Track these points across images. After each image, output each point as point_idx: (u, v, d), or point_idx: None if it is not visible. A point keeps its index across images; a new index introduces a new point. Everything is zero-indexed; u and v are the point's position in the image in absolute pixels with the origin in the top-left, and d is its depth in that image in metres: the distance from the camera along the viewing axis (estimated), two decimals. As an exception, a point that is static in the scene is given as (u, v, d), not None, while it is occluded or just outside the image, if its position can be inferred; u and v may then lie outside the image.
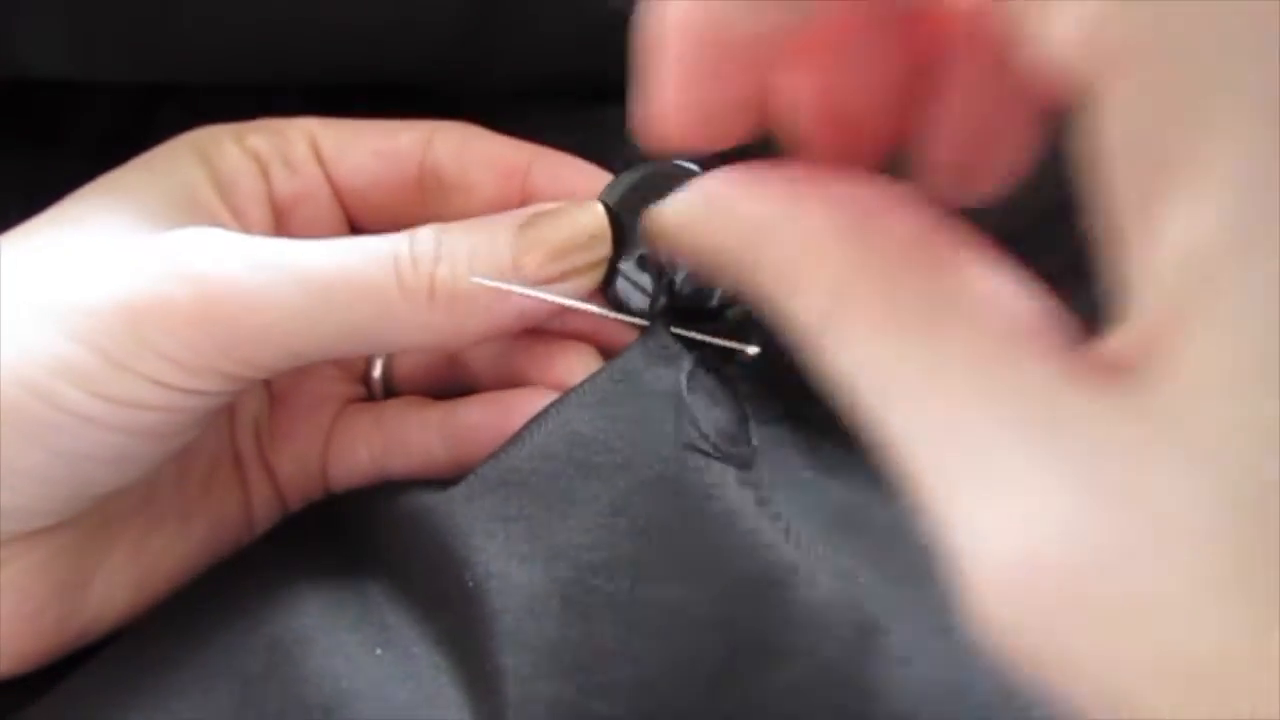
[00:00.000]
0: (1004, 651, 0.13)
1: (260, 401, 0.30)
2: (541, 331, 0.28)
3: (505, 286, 0.24)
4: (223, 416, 0.29)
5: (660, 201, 0.19)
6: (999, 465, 0.13)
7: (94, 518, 0.25)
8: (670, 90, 0.17)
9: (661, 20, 0.16)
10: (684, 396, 0.24)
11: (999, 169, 0.19)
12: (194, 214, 0.26)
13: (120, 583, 0.26)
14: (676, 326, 0.26)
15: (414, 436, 0.28)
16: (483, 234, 0.25)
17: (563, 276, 0.25)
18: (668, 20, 0.16)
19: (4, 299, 0.23)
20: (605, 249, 0.26)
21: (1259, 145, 0.11)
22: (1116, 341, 0.13)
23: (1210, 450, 0.12)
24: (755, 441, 0.24)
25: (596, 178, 0.28)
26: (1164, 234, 0.12)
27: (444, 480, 0.26)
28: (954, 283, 0.15)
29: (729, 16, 0.16)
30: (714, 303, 0.26)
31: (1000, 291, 0.15)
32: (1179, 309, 0.12)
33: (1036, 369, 0.14)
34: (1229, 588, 0.11)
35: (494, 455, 0.24)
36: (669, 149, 0.18)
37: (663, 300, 0.26)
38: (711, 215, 0.18)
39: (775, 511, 0.22)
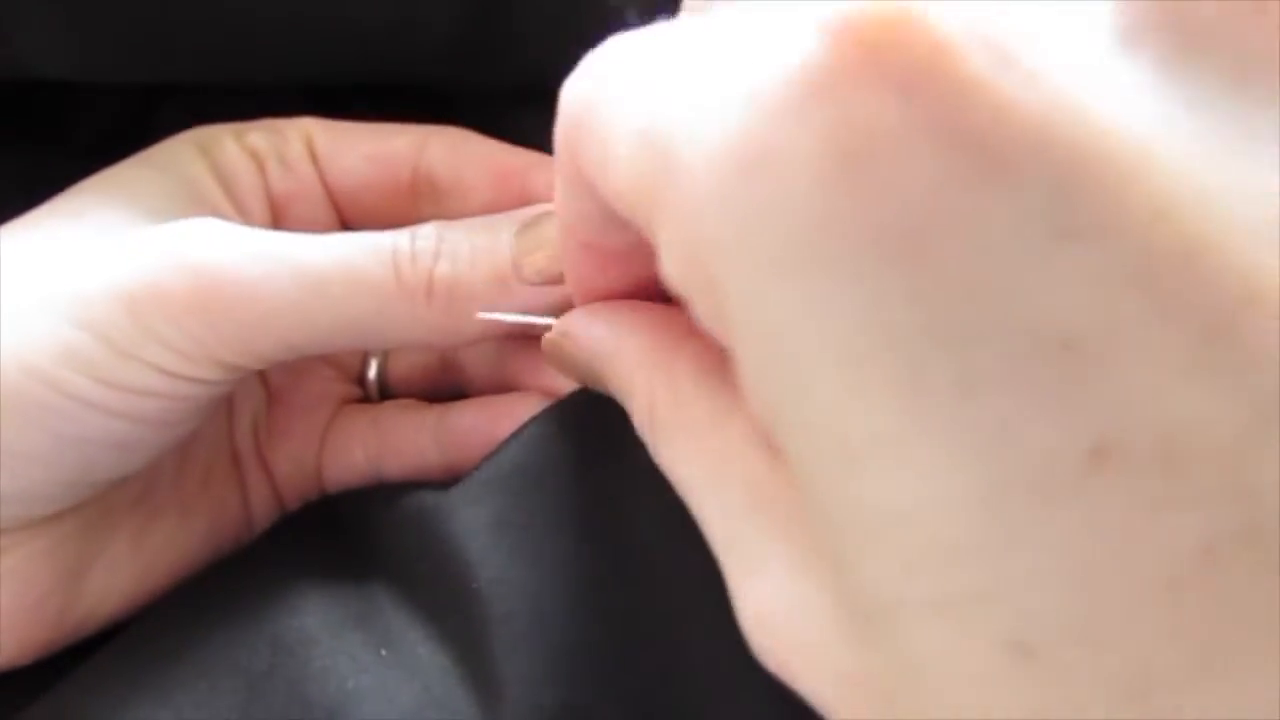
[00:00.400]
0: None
1: (258, 399, 0.30)
2: (536, 336, 0.29)
3: (513, 319, 0.25)
4: (221, 413, 0.29)
5: None
6: (744, 548, 0.17)
7: (94, 508, 0.25)
8: (577, 271, 0.21)
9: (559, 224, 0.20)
10: None
11: None
12: (196, 207, 0.26)
13: (120, 574, 0.26)
14: None
15: (408, 439, 0.28)
16: (484, 233, 0.25)
17: (562, 278, 0.25)
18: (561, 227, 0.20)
19: (5, 287, 0.23)
20: None
21: None
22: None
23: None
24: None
25: None
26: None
27: (438, 483, 0.26)
28: (730, 396, 0.18)
29: (592, 233, 0.19)
30: None
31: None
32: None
33: (756, 458, 0.17)
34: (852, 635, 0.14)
35: (493, 454, 0.24)
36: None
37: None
38: (569, 345, 0.22)
39: None
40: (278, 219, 0.28)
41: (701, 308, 0.15)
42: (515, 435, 0.24)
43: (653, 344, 0.19)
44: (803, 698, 0.16)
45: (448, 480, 0.26)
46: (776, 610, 0.16)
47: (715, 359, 0.18)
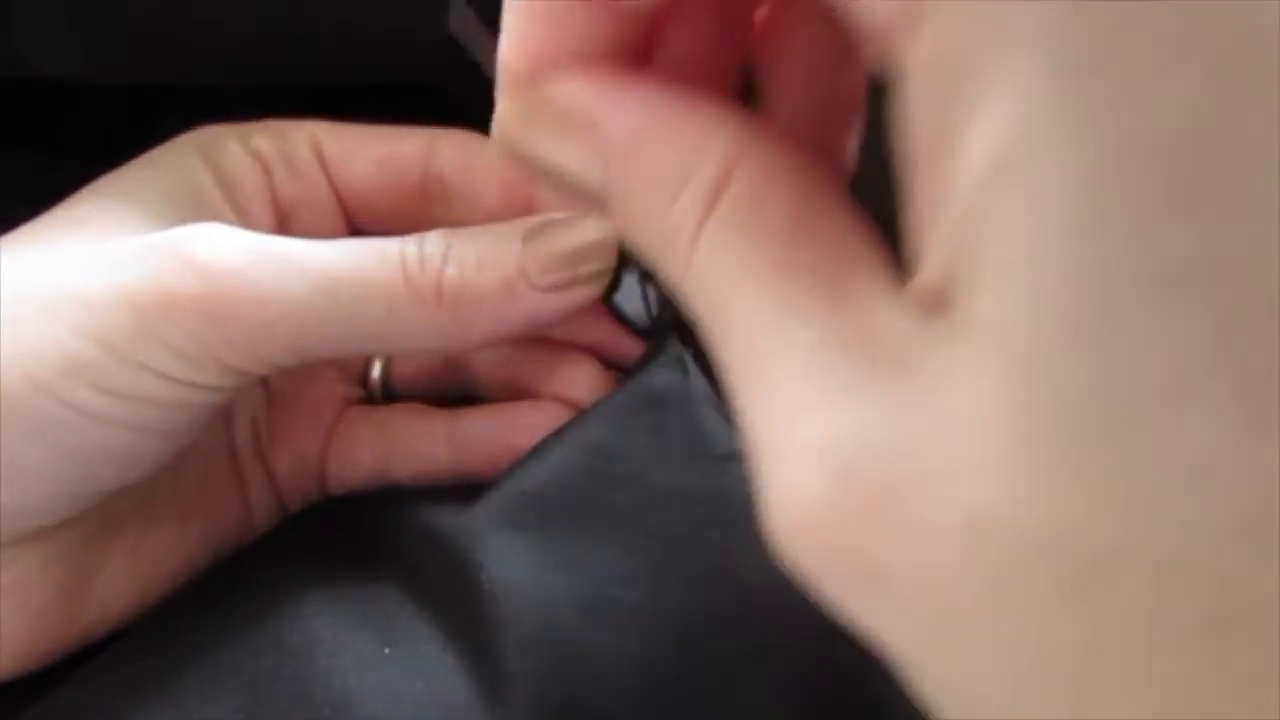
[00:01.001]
0: (812, 576, 0.14)
1: (258, 401, 0.30)
2: (543, 341, 0.29)
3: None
4: (219, 417, 0.29)
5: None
6: (813, 382, 0.14)
7: (94, 519, 0.25)
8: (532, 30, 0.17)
9: None
10: (695, 406, 0.24)
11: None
12: (198, 211, 0.26)
13: (121, 584, 0.26)
14: (680, 337, 0.26)
15: (418, 444, 0.28)
16: (491, 240, 0.25)
17: (568, 284, 0.25)
18: None
19: (7, 297, 0.23)
20: (610, 259, 0.26)
21: (1057, 50, 0.11)
22: (924, 273, 0.14)
23: (1003, 345, 0.12)
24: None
25: None
26: (965, 148, 0.12)
27: (447, 485, 0.26)
28: (806, 204, 0.15)
29: None
30: None
31: (841, 221, 0.15)
32: (974, 216, 0.12)
33: (862, 294, 0.14)
34: (1019, 465, 0.12)
35: (513, 470, 0.24)
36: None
37: (662, 308, 0.27)
38: (567, 124, 0.17)
39: None
40: (283, 223, 0.28)
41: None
42: (534, 453, 0.24)
43: (741, 126, 0.16)
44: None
45: (459, 483, 0.26)
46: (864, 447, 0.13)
47: (799, 161, 0.16)
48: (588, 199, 0.17)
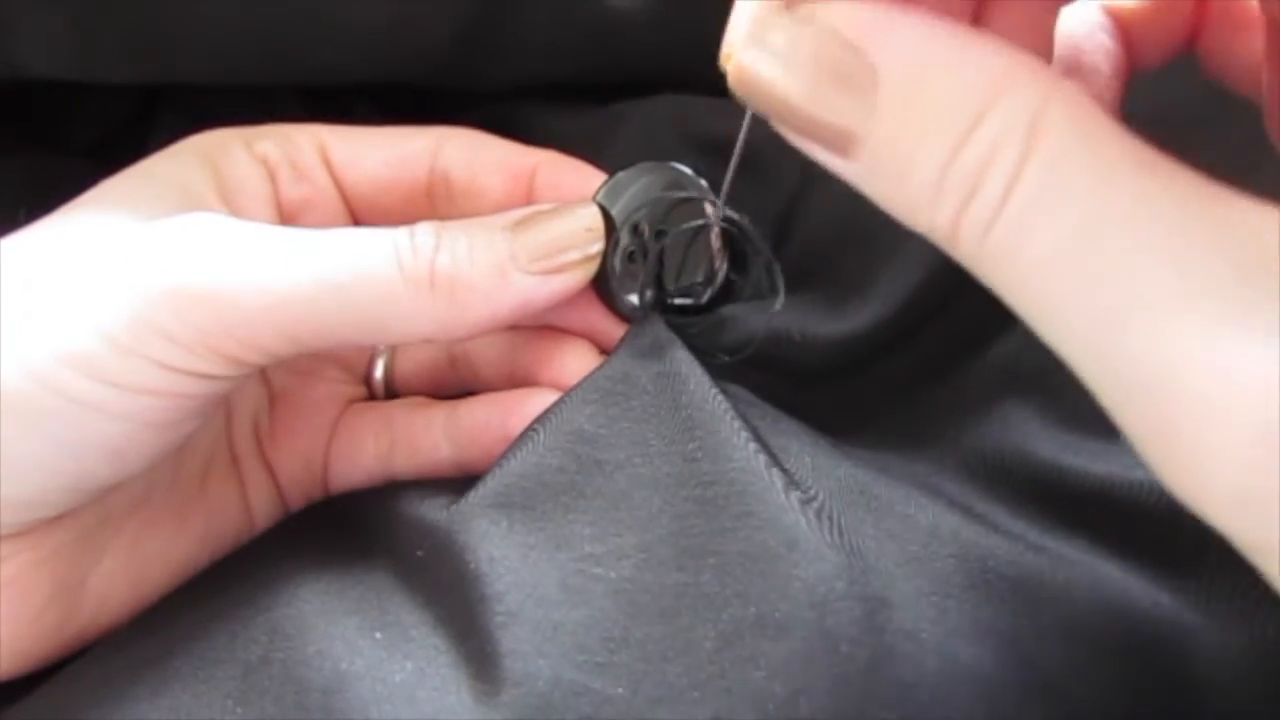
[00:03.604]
0: (1237, 524, 0.13)
1: (259, 400, 0.30)
2: (540, 329, 0.29)
3: None
4: (219, 415, 0.29)
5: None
6: (1248, 321, 0.13)
7: (91, 517, 0.25)
8: None
9: None
10: (677, 390, 0.24)
11: None
12: None
13: (118, 583, 0.26)
14: (669, 319, 0.26)
15: (420, 435, 0.29)
16: (480, 229, 0.25)
17: (557, 270, 0.25)
18: None
19: (6, 290, 0.23)
20: (598, 245, 0.26)
21: None
22: None
23: None
24: (754, 421, 0.24)
25: (598, 179, 0.28)
26: None
27: (448, 481, 0.26)
28: (1128, 134, 0.14)
29: None
30: (703, 299, 0.27)
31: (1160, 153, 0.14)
32: None
33: (1245, 217, 0.13)
34: None
35: (501, 460, 0.24)
36: None
37: (650, 295, 0.27)
38: (828, 50, 0.16)
39: (779, 485, 0.22)
40: (288, 226, 0.28)
41: None
42: (520, 440, 0.25)
43: (1040, 63, 0.15)
44: None
45: (458, 478, 0.26)
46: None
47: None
48: (836, 144, 0.16)
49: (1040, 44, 0.19)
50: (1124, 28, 0.22)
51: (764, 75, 0.16)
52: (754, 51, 0.16)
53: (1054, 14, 0.20)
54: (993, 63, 0.15)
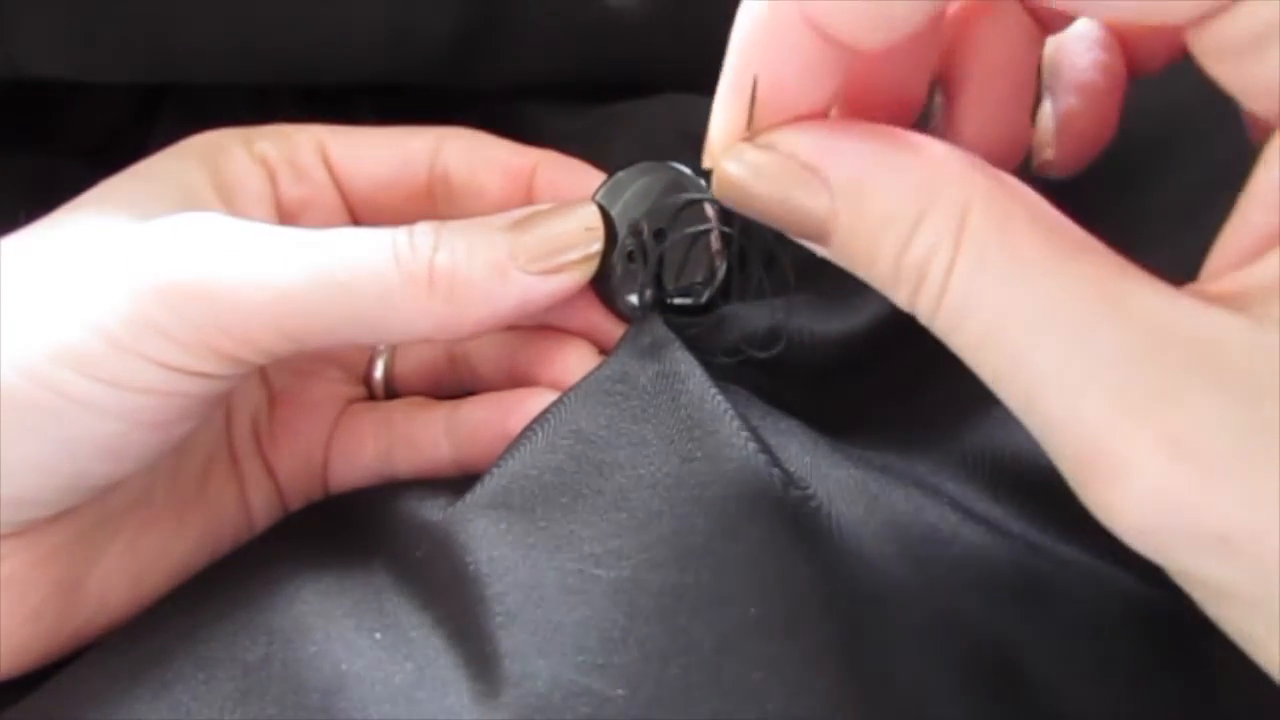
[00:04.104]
0: (1157, 546, 0.16)
1: (258, 400, 0.30)
2: (539, 329, 0.29)
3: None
4: (219, 415, 0.29)
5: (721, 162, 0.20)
6: (1136, 389, 0.16)
7: (89, 516, 0.25)
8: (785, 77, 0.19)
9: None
10: (676, 389, 0.24)
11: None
12: None
13: (117, 582, 0.26)
14: (668, 319, 0.26)
15: (419, 434, 0.29)
16: (479, 229, 0.25)
17: (557, 270, 0.25)
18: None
19: (4, 289, 0.23)
20: (598, 245, 0.26)
21: None
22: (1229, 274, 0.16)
23: None
24: (753, 421, 0.24)
25: (598, 179, 0.28)
26: None
27: (447, 481, 0.26)
28: (1050, 221, 0.17)
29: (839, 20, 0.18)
30: (703, 299, 0.27)
31: (1080, 230, 0.17)
32: None
33: (1143, 299, 0.16)
34: None
35: (500, 460, 0.24)
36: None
37: (649, 295, 0.27)
38: (782, 164, 0.19)
39: (779, 485, 0.22)
40: (288, 225, 0.28)
41: None
42: (519, 440, 0.25)
43: (957, 162, 0.17)
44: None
45: (458, 476, 0.26)
46: (1212, 436, 0.15)
47: (1031, 196, 0.17)
48: (813, 238, 0.19)
49: (1022, 76, 0.22)
50: (1121, 37, 0.22)
51: (741, 185, 0.19)
52: (731, 164, 0.19)
53: (1037, 45, 0.21)
54: (923, 176, 0.17)
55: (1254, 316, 0.15)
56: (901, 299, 0.18)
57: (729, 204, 0.20)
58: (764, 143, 0.19)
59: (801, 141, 0.19)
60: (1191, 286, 0.16)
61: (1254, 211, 0.16)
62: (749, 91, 0.19)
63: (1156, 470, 0.15)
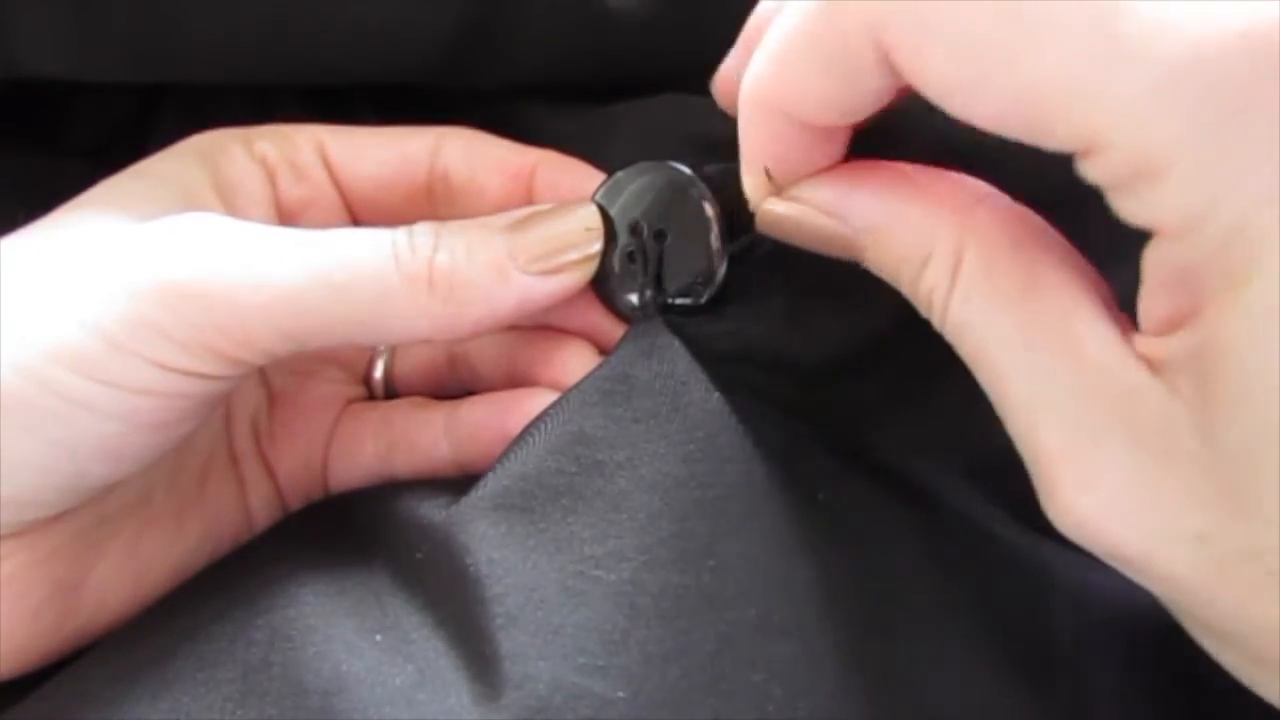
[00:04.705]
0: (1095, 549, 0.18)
1: (258, 400, 0.30)
2: (539, 329, 0.29)
3: None
4: (218, 415, 0.29)
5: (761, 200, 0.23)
6: (1072, 429, 0.18)
7: (88, 516, 0.25)
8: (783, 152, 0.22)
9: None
10: (676, 391, 0.24)
11: None
12: None
13: (116, 583, 0.26)
14: (668, 319, 0.26)
15: (419, 435, 0.29)
16: (479, 229, 0.25)
17: (556, 270, 0.25)
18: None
19: (3, 290, 0.23)
20: (597, 245, 0.26)
21: None
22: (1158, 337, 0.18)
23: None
24: (754, 422, 0.24)
25: (598, 179, 0.28)
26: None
27: (447, 481, 0.26)
28: (1031, 264, 0.19)
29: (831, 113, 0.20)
30: (703, 299, 0.27)
31: (1063, 271, 0.19)
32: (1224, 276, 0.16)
33: (1093, 346, 0.18)
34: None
35: (500, 461, 0.24)
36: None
37: (649, 295, 0.27)
38: (805, 213, 0.22)
39: (779, 486, 0.22)
40: (287, 226, 0.28)
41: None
42: (519, 441, 0.25)
43: (954, 205, 0.20)
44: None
45: (457, 478, 0.26)
46: (1123, 478, 0.18)
47: (1020, 230, 0.19)
48: (852, 257, 0.22)
49: None
50: None
51: (779, 228, 0.23)
52: (766, 212, 0.23)
53: None
54: (926, 224, 0.20)
55: (1168, 384, 0.17)
56: (921, 311, 0.21)
57: (772, 235, 0.23)
58: (790, 195, 0.22)
59: (820, 195, 0.22)
60: (1135, 335, 0.18)
61: (1154, 292, 0.18)
62: (761, 165, 0.22)
63: (1072, 501, 0.18)
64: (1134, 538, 0.18)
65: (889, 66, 0.18)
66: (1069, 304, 0.18)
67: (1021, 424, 0.19)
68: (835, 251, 0.22)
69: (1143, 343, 0.18)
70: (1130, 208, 0.17)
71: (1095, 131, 0.16)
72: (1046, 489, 0.19)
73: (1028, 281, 0.19)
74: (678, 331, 0.26)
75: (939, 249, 0.20)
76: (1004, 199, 0.20)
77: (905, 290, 0.21)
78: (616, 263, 0.27)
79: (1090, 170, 0.17)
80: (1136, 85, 0.15)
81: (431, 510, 0.24)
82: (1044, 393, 0.18)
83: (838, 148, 0.22)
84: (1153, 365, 0.18)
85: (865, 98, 0.19)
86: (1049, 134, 0.17)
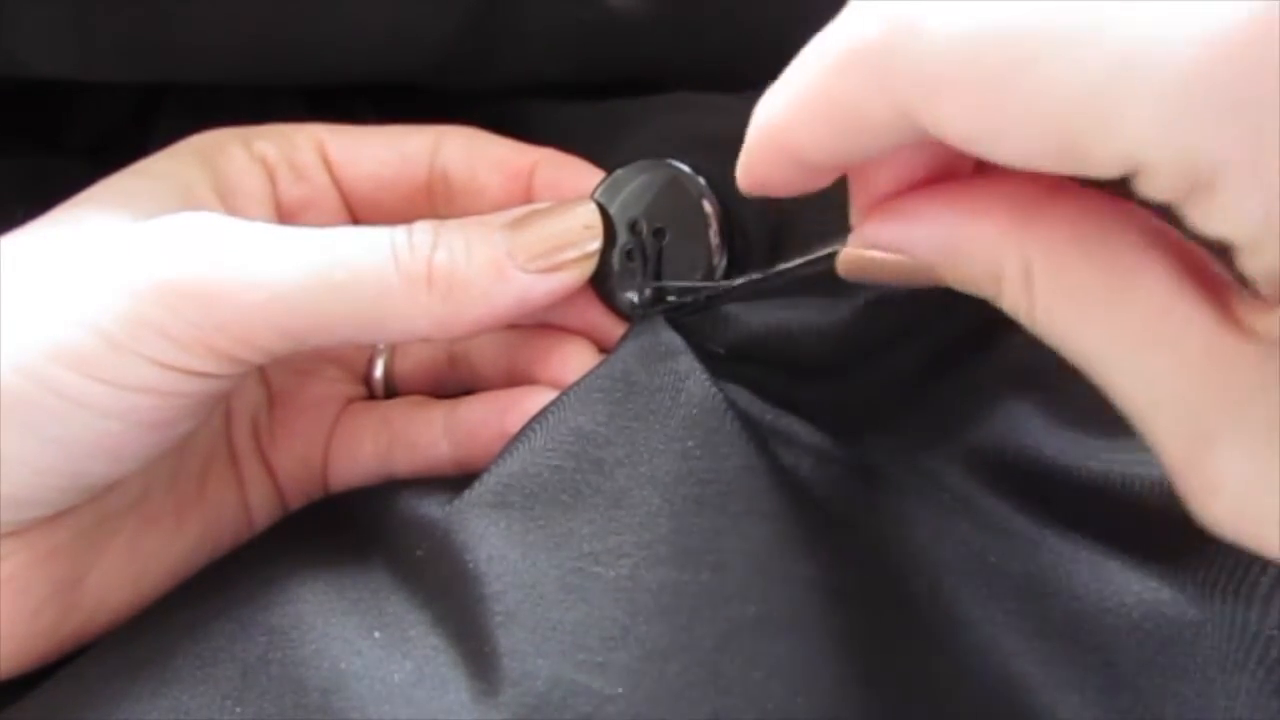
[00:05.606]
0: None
1: (258, 399, 0.30)
2: (539, 328, 0.29)
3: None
4: (218, 414, 0.29)
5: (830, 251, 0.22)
6: (1189, 411, 0.17)
7: (88, 515, 0.25)
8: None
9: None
10: (676, 389, 0.24)
11: None
12: None
13: (116, 582, 0.26)
14: (668, 317, 0.26)
15: (419, 433, 0.29)
16: (478, 228, 0.25)
17: (555, 268, 0.25)
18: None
19: (2, 289, 0.23)
20: (596, 244, 0.26)
21: None
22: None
23: None
24: (753, 419, 0.24)
25: (597, 177, 0.28)
26: None
27: (446, 479, 0.26)
28: (1107, 261, 0.18)
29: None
30: (702, 297, 0.27)
31: (1140, 256, 0.18)
32: None
33: (1197, 330, 0.17)
34: None
35: (499, 458, 0.24)
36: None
37: (649, 293, 0.27)
38: (878, 256, 0.21)
39: (778, 482, 0.22)
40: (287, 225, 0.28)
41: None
42: (518, 438, 0.25)
43: (1011, 216, 0.19)
44: None
45: (457, 477, 0.26)
46: (1246, 477, 0.16)
47: (1092, 224, 0.18)
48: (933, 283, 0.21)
49: None
50: None
51: (861, 271, 0.22)
52: (843, 254, 0.22)
53: None
54: (990, 250, 0.19)
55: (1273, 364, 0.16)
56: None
57: (852, 275, 0.22)
58: (854, 241, 0.21)
59: (881, 235, 0.21)
60: (1243, 303, 0.17)
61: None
62: (759, 185, 0.21)
63: (1204, 505, 0.17)
64: (1272, 535, 0.16)
65: (908, 124, 0.17)
66: (1162, 296, 0.17)
67: (1141, 429, 0.18)
68: (925, 283, 0.21)
69: (1246, 313, 0.17)
70: (1201, 223, 0.16)
71: (1130, 150, 0.15)
72: (1182, 494, 0.17)
73: (1109, 280, 0.18)
74: (677, 329, 0.26)
75: (1007, 268, 0.19)
76: (1068, 190, 0.19)
77: (989, 299, 0.20)
78: (616, 261, 0.27)
79: (1145, 190, 0.16)
80: (1155, 94, 0.15)
81: (431, 508, 0.24)
82: (1151, 396, 0.17)
83: (889, 177, 0.21)
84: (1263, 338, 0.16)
85: (880, 149, 0.19)
86: (1087, 162, 0.16)
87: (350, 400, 0.30)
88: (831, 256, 0.22)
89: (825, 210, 0.28)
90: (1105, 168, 0.16)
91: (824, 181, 0.21)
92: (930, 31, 0.16)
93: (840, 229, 0.22)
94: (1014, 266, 0.19)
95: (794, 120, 0.19)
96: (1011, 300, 0.19)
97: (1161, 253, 0.17)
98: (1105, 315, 0.18)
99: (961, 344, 0.26)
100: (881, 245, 0.21)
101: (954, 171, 0.21)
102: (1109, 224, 0.18)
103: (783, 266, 0.24)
